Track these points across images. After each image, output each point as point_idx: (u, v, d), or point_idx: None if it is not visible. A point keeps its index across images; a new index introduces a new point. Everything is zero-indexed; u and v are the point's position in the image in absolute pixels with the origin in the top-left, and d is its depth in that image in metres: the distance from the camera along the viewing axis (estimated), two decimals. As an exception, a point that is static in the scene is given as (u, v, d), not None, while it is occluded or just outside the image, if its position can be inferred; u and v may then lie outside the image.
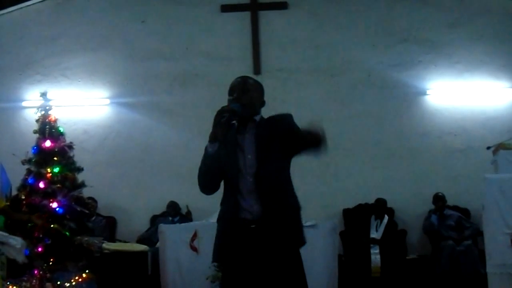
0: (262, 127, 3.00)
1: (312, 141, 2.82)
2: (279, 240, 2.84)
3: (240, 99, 2.99)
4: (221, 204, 3.09)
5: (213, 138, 2.92)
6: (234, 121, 2.98)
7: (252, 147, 2.95)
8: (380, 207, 7.43)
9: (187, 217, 7.52)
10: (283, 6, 7.99)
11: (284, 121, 2.99)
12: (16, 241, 4.93)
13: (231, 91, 3.03)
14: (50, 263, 5.32)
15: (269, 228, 2.84)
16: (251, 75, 7.91)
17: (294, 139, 2.88)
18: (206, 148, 2.98)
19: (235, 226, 2.91)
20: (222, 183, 3.12)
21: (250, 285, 2.84)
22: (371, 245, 7.08)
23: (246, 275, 2.84)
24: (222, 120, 2.92)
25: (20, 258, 4.92)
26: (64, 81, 8.03)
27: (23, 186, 5.60)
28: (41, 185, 5.52)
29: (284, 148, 2.94)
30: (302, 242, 2.94)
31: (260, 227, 2.85)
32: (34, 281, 5.24)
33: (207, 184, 3.14)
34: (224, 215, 3.02)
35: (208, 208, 7.24)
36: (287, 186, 2.99)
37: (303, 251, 3.04)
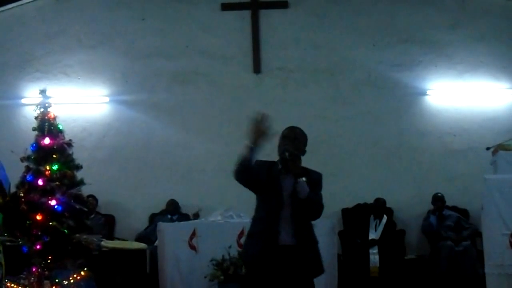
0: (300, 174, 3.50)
1: (313, 210, 3.50)
2: (308, 267, 3.50)
3: (291, 146, 3.53)
4: (256, 220, 3.59)
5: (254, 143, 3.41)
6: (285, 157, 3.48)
7: (290, 186, 3.48)
8: (379, 207, 7.43)
9: (187, 216, 7.50)
10: (283, 5, 7.99)
11: (315, 179, 3.58)
12: None
13: (284, 138, 3.58)
14: (49, 260, 5.30)
15: (301, 256, 3.46)
16: (251, 73, 8.00)
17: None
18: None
19: (270, 247, 3.44)
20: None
21: None
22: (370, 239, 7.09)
23: None
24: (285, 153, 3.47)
25: None
26: (63, 78, 8.02)
27: (22, 183, 5.57)
28: (40, 182, 5.49)
29: None
30: (323, 270, 3.62)
31: (292, 254, 3.44)
32: (33, 278, 5.22)
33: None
34: (261, 235, 3.50)
35: (207, 207, 7.28)
36: (310, 223, 3.62)
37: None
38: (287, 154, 3.45)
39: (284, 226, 3.45)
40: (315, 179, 3.57)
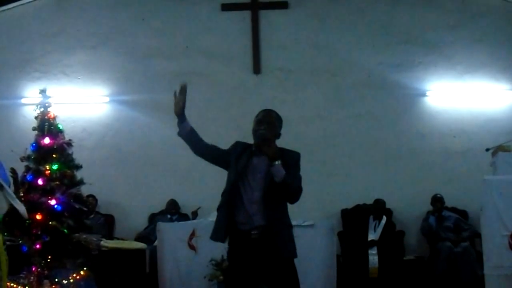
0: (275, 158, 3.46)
1: (290, 191, 3.45)
2: (278, 251, 3.41)
3: (266, 129, 3.52)
4: (222, 193, 3.63)
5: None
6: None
7: (264, 168, 3.47)
8: (378, 208, 7.43)
9: (187, 216, 7.51)
10: (283, 5, 8.00)
11: (292, 159, 3.54)
12: (20, 207, 4.96)
13: (259, 122, 3.57)
14: (48, 260, 5.30)
15: (270, 239, 3.39)
16: (251, 74, 8.00)
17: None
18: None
19: (235, 231, 3.47)
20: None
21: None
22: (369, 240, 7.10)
23: (247, 278, 3.43)
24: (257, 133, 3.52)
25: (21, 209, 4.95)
26: (63, 78, 8.02)
27: (22, 183, 5.57)
28: (40, 182, 5.50)
29: None
30: (295, 255, 3.51)
31: (261, 237, 3.40)
32: (32, 278, 5.23)
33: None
34: (222, 217, 3.56)
35: (206, 207, 7.28)
36: (284, 206, 3.54)
37: (301, 251, 3.51)
38: (260, 137, 3.47)
39: (254, 207, 3.44)
40: (292, 159, 3.53)
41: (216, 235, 3.55)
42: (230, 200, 3.51)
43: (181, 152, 7.83)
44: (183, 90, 3.75)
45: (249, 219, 3.45)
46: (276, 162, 3.38)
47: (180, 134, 3.73)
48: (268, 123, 3.54)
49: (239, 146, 3.64)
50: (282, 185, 3.39)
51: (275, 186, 3.40)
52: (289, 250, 3.46)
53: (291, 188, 3.44)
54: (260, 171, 3.49)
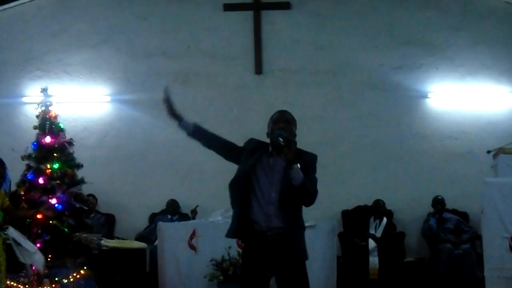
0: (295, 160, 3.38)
1: (307, 195, 3.41)
2: (294, 252, 3.39)
3: (285, 129, 3.44)
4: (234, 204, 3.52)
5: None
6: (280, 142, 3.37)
7: (280, 169, 3.41)
8: (378, 209, 7.43)
9: (187, 216, 7.50)
10: (286, 6, 7.99)
11: (310, 161, 3.51)
12: (31, 247, 4.98)
13: (277, 122, 3.49)
14: (48, 259, 5.30)
15: (286, 241, 3.37)
16: (253, 74, 7.99)
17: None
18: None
19: (251, 231, 3.41)
20: None
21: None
22: (369, 239, 7.09)
23: (261, 278, 3.41)
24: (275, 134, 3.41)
25: (29, 261, 4.96)
26: (65, 77, 8.02)
27: (23, 181, 5.58)
28: (41, 181, 5.51)
29: None
30: (306, 257, 3.47)
31: (278, 238, 3.37)
32: (32, 277, 5.23)
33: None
34: (239, 218, 3.46)
35: (207, 207, 7.28)
36: (299, 208, 3.51)
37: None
38: (281, 140, 3.33)
39: (271, 208, 3.37)
40: (309, 162, 3.47)
41: (233, 233, 3.50)
42: (244, 196, 3.42)
43: (182, 152, 7.91)
44: (166, 93, 3.72)
45: (266, 219, 3.39)
46: (296, 166, 3.30)
47: (188, 134, 3.69)
48: (286, 122, 3.47)
49: (253, 143, 3.56)
50: (300, 189, 3.33)
51: (292, 189, 3.33)
52: (303, 251, 3.44)
53: (308, 192, 3.39)
54: (277, 171, 3.41)
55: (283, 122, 3.46)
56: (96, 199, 7.47)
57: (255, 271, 3.41)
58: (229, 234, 3.50)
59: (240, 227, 3.43)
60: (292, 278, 3.38)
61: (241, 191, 3.43)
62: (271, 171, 3.42)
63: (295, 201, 3.41)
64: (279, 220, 3.37)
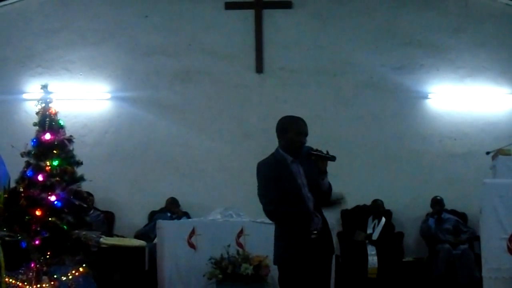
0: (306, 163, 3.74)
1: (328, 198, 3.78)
2: (331, 248, 3.80)
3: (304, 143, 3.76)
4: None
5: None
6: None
7: (303, 173, 3.72)
8: (377, 209, 7.43)
9: (187, 214, 7.51)
10: (287, 5, 7.99)
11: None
12: None
13: (299, 134, 3.72)
14: (47, 256, 5.30)
15: (325, 238, 3.72)
16: (254, 73, 8.00)
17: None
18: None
19: (304, 234, 3.64)
20: None
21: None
22: (367, 242, 7.10)
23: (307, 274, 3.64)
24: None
25: None
26: (65, 74, 8.02)
27: (22, 178, 5.56)
28: (40, 178, 5.48)
29: None
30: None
31: (318, 237, 3.66)
32: (31, 274, 5.22)
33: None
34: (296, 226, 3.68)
35: (206, 205, 7.29)
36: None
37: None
38: (314, 155, 3.65)
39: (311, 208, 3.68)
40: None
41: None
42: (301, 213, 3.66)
43: (182, 149, 7.92)
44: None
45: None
46: (326, 176, 3.67)
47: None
48: (306, 135, 3.73)
49: (268, 166, 3.71)
50: (327, 193, 3.72)
51: (319, 193, 3.70)
52: (333, 247, 3.86)
53: (330, 196, 3.78)
54: (302, 175, 3.70)
55: (304, 136, 3.72)
56: (93, 196, 7.43)
57: (306, 272, 3.61)
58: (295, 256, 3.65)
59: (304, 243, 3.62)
60: (326, 272, 3.77)
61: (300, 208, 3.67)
62: (300, 177, 3.71)
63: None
64: (318, 220, 3.69)
